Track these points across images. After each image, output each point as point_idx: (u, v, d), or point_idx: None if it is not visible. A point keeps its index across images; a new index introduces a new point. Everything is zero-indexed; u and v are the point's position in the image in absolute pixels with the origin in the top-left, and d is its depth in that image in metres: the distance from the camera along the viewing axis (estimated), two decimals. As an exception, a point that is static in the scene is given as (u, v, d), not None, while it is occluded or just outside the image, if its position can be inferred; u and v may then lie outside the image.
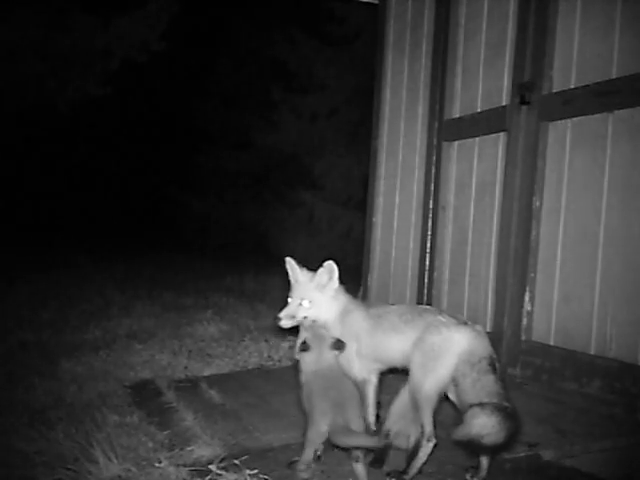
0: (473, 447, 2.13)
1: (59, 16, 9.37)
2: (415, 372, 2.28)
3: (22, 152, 15.05)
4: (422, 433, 2.25)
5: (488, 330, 3.54)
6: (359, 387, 2.50)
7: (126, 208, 18.22)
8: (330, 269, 2.47)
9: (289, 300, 2.50)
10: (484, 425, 2.06)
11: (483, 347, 2.23)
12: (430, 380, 2.23)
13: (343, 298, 2.52)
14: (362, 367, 2.48)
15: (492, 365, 2.21)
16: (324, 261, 2.49)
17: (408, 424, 2.41)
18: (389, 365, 2.48)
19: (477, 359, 2.20)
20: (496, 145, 3.85)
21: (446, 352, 2.22)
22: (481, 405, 2.11)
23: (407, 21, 4.80)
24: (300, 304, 2.46)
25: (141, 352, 4.49)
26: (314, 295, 2.46)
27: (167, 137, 17.39)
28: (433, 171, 4.34)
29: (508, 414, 2.10)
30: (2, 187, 13.54)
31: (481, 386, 2.18)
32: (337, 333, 2.48)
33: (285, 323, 2.48)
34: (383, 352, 2.43)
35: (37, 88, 9.77)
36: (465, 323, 2.29)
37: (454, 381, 2.24)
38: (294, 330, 2.55)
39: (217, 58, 14.39)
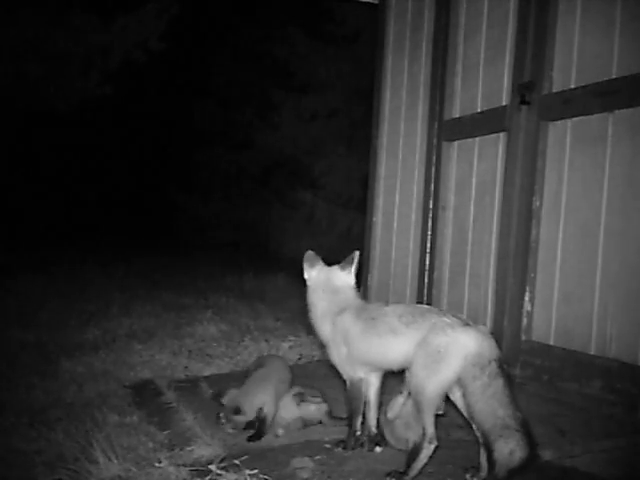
0: (514, 474, 2.16)
1: (59, 16, 9.36)
2: (418, 374, 2.22)
3: (21, 152, 15.04)
4: (423, 435, 2.23)
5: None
6: (356, 387, 2.50)
7: (126, 208, 18.21)
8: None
9: None
10: (521, 457, 2.12)
11: (491, 349, 2.19)
12: (433, 382, 2.18)
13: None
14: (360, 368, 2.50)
15: (501, 367, 2.18)
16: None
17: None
18: (386, 368, 2.47)
19: (487, 361, 2.16)
20: (496, 145, 3.85)
21: (452, 354, 2.16)
22: (509, 431, 2.13)
23: (407, 21, 4.80)
24: None
25: (141, 352, 4.50)
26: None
27: (167, 137, 17.37)
28: (433, 171, 4.34)
29: (530, 434, 2.16)
30: (1, 187, 13.54)
31: (492, 393, 2.15)
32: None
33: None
34: (379, 354, 2.42)
35: (36, 88, 9.75)
36: (468, 324, 2.24)
37: (461, 383, 2.19)
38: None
39: (217, 58, 14.38)
